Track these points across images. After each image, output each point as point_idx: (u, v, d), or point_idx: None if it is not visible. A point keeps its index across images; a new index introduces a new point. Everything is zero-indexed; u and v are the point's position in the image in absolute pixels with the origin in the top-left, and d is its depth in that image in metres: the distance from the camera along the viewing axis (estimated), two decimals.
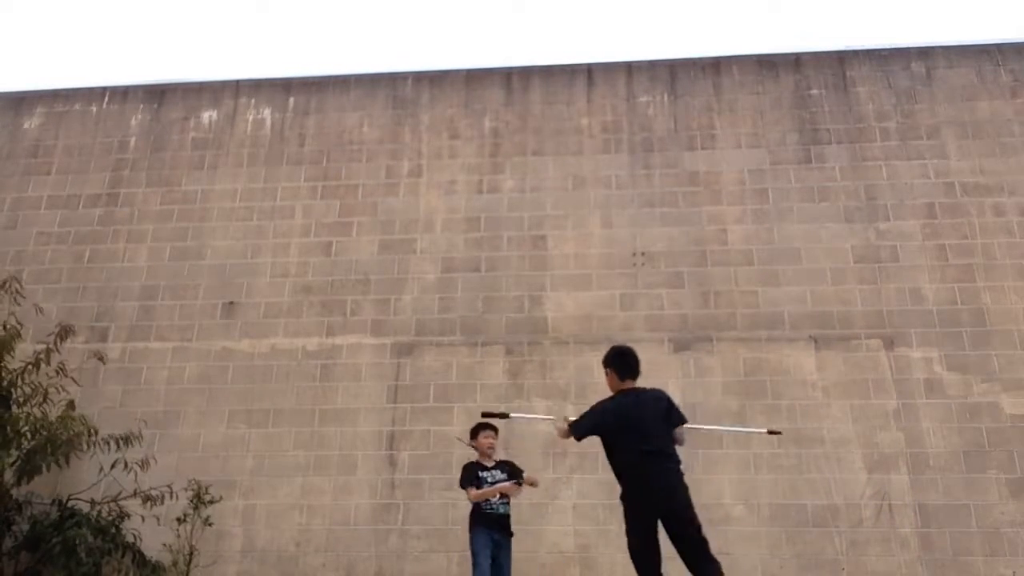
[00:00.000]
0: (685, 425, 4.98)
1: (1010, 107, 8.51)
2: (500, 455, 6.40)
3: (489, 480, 5.92)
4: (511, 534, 5.95)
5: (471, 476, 5.98)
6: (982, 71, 8.71)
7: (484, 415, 5.99)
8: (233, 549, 7.53)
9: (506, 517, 5.92)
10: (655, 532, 4.58)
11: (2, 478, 7.23)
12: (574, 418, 5.00)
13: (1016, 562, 6.84)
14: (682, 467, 4.73)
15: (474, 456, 6.15)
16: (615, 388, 5.04)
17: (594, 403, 5.06)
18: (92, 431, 7.33)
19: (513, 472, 6.01)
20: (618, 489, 4.84)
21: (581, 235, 8.38)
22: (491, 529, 5.84)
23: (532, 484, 6.04)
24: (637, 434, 4.72)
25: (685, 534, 4.54)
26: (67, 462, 7.36)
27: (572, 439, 4.99)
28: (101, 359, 8.00)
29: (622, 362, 5.09)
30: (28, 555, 7.34)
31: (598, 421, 4.90)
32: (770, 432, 6.16)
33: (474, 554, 5.78)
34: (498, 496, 5.87)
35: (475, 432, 6.17)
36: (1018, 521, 6.97)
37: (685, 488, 4.65)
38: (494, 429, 6.17)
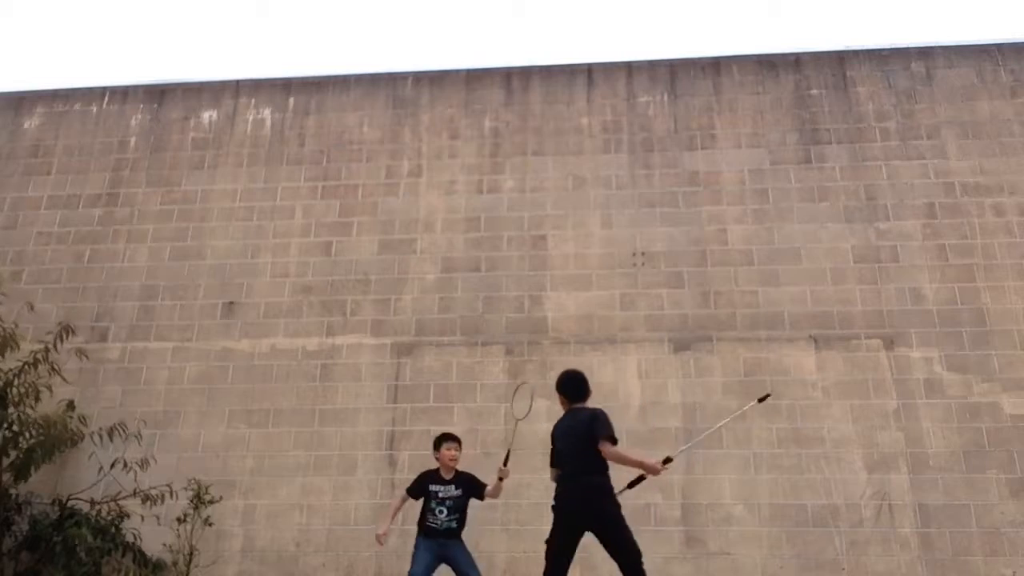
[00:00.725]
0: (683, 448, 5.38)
1: (1010, 107, 8.51)
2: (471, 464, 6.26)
3: (440, 495, 5.80)
4: (460, 537, 5.84)
5: (418, 487, 5.88)
6: (982, 71, 8.71)
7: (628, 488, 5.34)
8: (233, 549, 7.53)
9: (451, 531, 5.79)
10: (565, 548, 5.06)
11: (1, 478, 7.24)
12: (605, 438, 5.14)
13: (1016, 562, 6.85)
14: (602, 483, 5.01)
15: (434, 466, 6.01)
16: (565, 409, 5.44)
17: (603, 414, 5.32)
18: (82, 419, 7.36)
19: (471, 487, 5.88)
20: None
21: (581, 235, 8.38)
22: (435, 538, 5.75)
23: (492, 496, 5.92)
24: (557, 457, 5.22)
25: (613, 549, 4.95)
26: (56, 455, 7.38)
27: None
28: (84, 355, 7.99)
29: (566, 385, 5.47)
30: (28, 555, 7.34)
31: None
32: (760, 400, 6.21)
33: (414, 557, 5.72)
34: (445, 513, 5.76)
35: (438, 443, 6.01)
36: (1018, 521, 6.97)
37: (600, 507, 4.95)
38: (458, 442, 6.02)
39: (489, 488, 5.89)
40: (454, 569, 5.81)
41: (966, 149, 8.36)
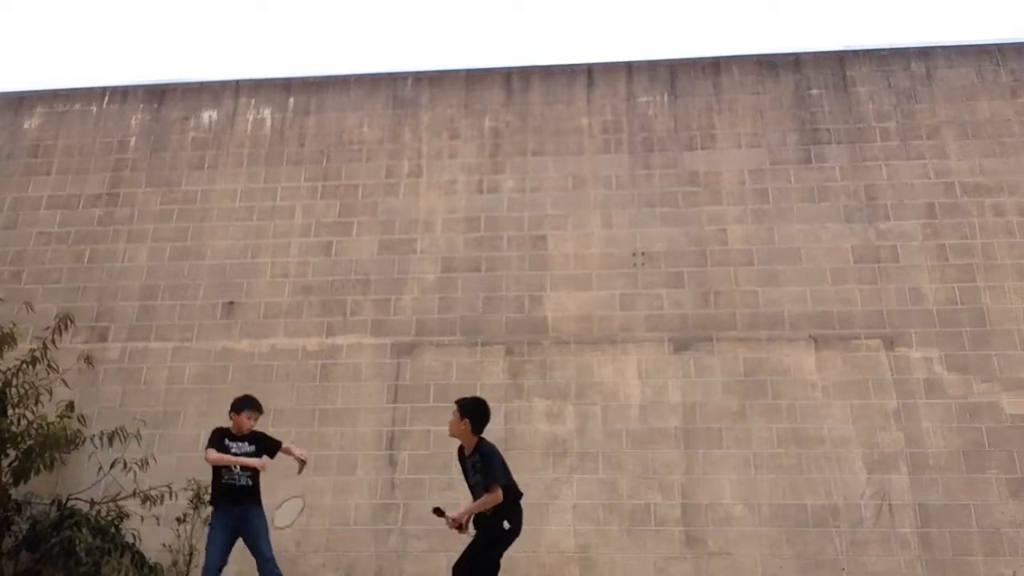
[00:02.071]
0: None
1: (1010, 107, 8.51)
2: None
3: (235, 450, 5.86)
4: (258, 503, 5.92)
5: (216, 440, 5.90)
6: (982, 71, 8.71)
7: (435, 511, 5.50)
8: (233, 549, 7.51)
9: (248, 488, 5.86)
10: None
11: (0, 479, 7.24)
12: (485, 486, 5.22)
13: (1016, 562, 6.85)
14: None
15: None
16: (471, 438, 5.35)
17: (492, 454, 5.32)
18: (82, 419, 7.36)
19: (263, 444, 5.97)
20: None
21: (581, 235, 8.38)
22: (232, 505, 5.80)
23: (298, 458, 5.97)
24: (510, 480, 5.26)
25: None
26: (58, 460, 7.39)
27: (499, 495, 5.18)
28: (90, 363, 8.01)
29: (482, 419, 5.39)
30: (28, 555, 7.34)
31: (506, 470, 5.28)
32: None
33: (208, 549, 5.76)
34: (238, 467, 5.81)
35: (239, 407, 6.03)
36: (1018, 521, 6.97)
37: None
38: (260, 411, 6.10)
39: (288, 446, 6.05)
40: (246, 541, 5.83)
41: (966, 149, 8.35)
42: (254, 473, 5.92)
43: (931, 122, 8.52)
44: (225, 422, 6.18)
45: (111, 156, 9.30)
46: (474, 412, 5.37)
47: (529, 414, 7.69)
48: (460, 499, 7.50)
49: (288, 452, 6.06)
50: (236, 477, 5.85)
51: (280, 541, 7.54)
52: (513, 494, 5.28)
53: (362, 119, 9.18)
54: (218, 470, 5.87)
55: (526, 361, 7.93)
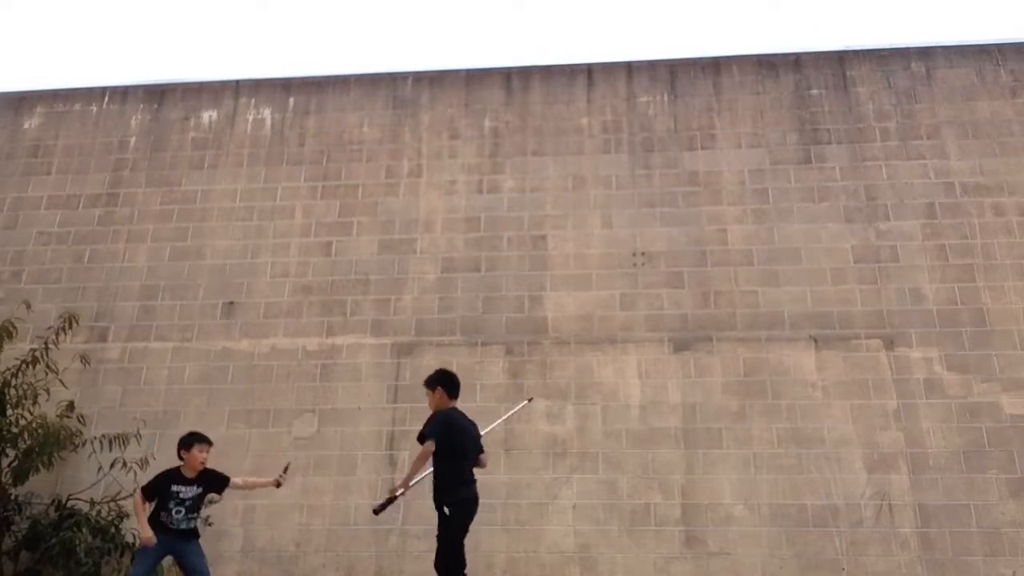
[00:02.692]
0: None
1: (1010, 107, 8.51)
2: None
3: (181, 495, 5.72)
4: (196, 536, 5.82)
5: (157, 489, 5.74)
6: (982, 71, 8.71)
7: (377, 511, 5.55)
8: (233, 549, 7.53)
9: (187, 532, 5.75)
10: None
11: (0, 479, 7.24)
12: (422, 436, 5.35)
13: (1016, 562, 6.85)
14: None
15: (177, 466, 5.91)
16: (443, 406, 5.49)
17: (436, 416, 5.43)
18: (81, 418, 7.36)
19: (212, 483, 5.86)
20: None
21: (581, 235, 8.38)
22: (166, 534, 5.67)
23: (242, 488, 5.98)
24: (463, 450, 5.31)
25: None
26: (56, 460, 7.40)
27: (430, 446, 5.27)
28: (86, 361, 8.01)
29: (451, 383, 5.56)
30: (28, 555, 7.34)
31: (445, 428, 5.30)
32: (529, 400, 6.65)
33: (134, 565, 5.67)
34: (183, 513, 5.70)
35: (189, 443, 5.86)
36: (1018, 521, 6.97)
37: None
38: (210, 443, 5.95)
39: (243, 480, 6.02)
40: (181, 566, 5.75)
41: (966, 149, 8.35)
42: (197, 513, 5.83)
43: (931, 122, 8.52)
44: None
45: (111, 156, 9.30)
46: (442, 379, 5.55)
47: (529, 414, 7.68)
48: None
49: (243, 487, 6.04)
50: (174, 522, 5.70)
51: (280, 541, 7.55)
52: (464, 475, 5.32)
53: (362, 119, 9.18)
54: (157, 509, 5.73)
55: (526, 361, 7.93)
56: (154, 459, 7.56)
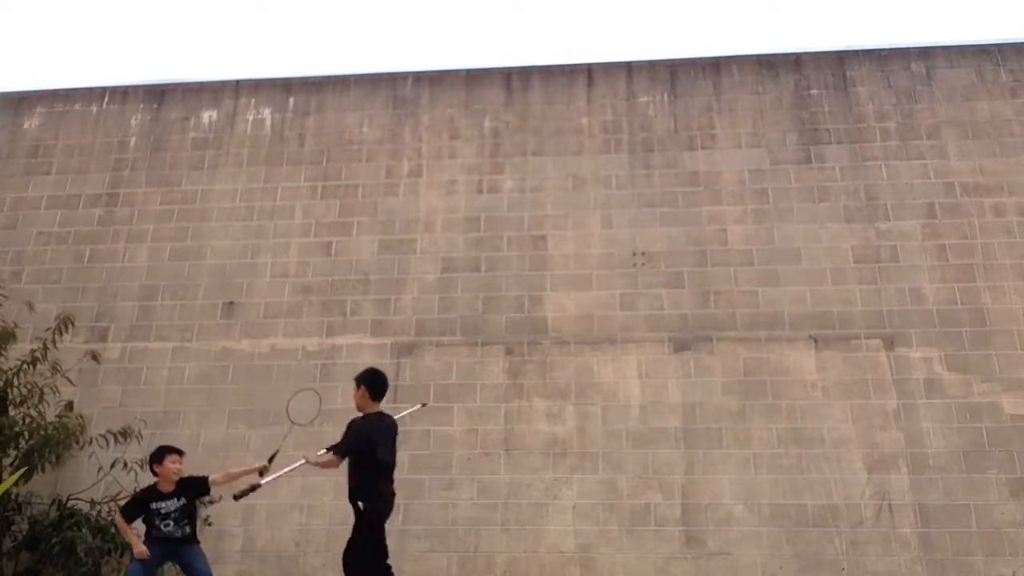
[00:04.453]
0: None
1: (1010, 107, 8.51)
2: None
3: (162, 511, 5.74)
4: (195, 541, 5.84)
5: (135, 509, 5.77)
6: (982, 71, 8.71)
7: (236, 497, 5.51)
8: (233, 549, 7.53)
9: (182, 538, 5.76)
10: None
11: (1, 478, 7.24)
12: (327, 449, 5.32)
13: (1016, 562, 6.85)
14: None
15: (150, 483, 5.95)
16: (366, 407, 5.46)
17: (349, 425, 5.39)
18: (81, 418, 7.40)
19: (193, 491, 5.89)
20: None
21: (581, 235, 8.38)
22: (162, 546, 5.70)
23: (221, 483, 5.95)
24: (386, 456, 5.30)
25: None
26: (54, 461, 7.41)
27: (335, 464, 5.31)
28: (96, 359, 8.03)
29: (376, 384, 5.52)
30: (28, 555, 7.34)
31: (363, 438, 5.27)
32: (423, 405, 6.60)
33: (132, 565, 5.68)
34: (171, 526, 5.73)
35: (160, 456, 5.88)
36: (1018, 521, 6.97)
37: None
38: (180, 453, 5.96)
39: (224, 476, 5.95)
40: (183, 569, 5.77)
41: (966, 149, 8.35)
42: (190, 521, 5.84)
43: (931, 122, 8.52)
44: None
45: (111, 156, 9.30)
46: (367, 379, 5.52)
47: (529, 414, 7.69)
48: (460, 499, 7.53)
49: (225, 482, 6.00)
50: (170, 532, 5.73)
51: (280, 541, 7.54)
52: (382, 477, 5.27)
53: (362, 119, 9.18)
54: (148, 520, 5.76)
55: (526, 361, 7.93)
56: None
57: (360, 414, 5.48)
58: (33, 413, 7.37)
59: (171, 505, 5.80)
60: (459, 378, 7.90)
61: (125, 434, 7.43)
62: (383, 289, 8.35)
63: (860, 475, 7.25)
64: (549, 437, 7.63)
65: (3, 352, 7.56)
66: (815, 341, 7.75)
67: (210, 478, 5.97)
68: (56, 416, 7.56)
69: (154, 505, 5.78)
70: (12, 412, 7.34)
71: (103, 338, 8.41)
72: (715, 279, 8.06)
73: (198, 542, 5.91)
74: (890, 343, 7.66)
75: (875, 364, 7.60)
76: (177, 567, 6.01)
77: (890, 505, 7.13)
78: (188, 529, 5.82)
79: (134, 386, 8.19)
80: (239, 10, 26.85)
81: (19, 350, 7.69)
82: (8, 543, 7.34)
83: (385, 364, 8.00)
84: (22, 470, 6.73)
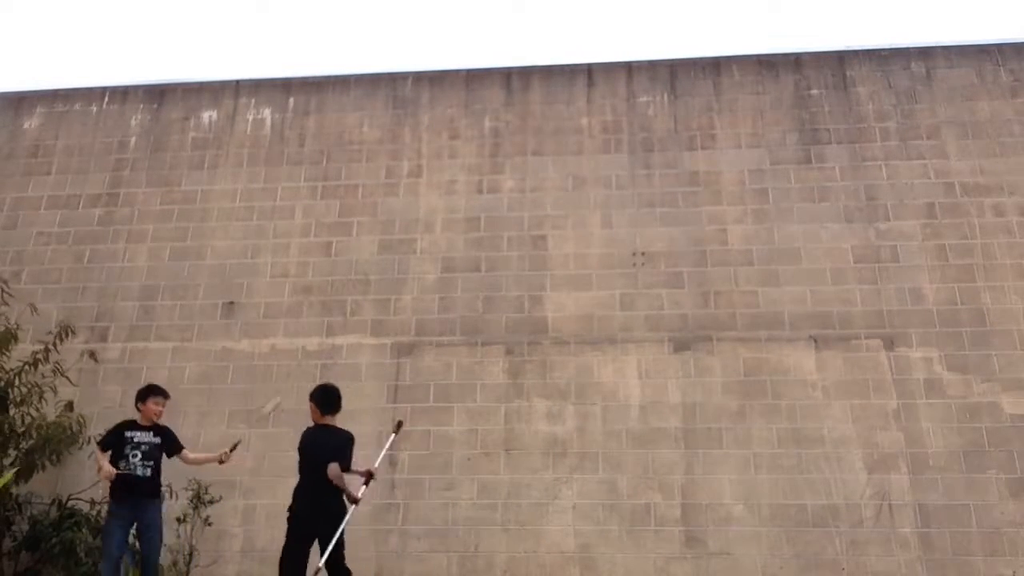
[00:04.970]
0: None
1: (1010, 107, 8.51)
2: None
3: (135, 439, 5.92)
4: (157, 495, 5.97)
5: (112, 439, 5.93)
6: (982, 71, 8.71)
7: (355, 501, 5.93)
8: (233, 549, 7.53)
9: (145, 480, 5.87)
10: (307, 547, 5.69)
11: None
12: None
13: (1016, 562, 6.85)
14: (336, 498, 5.72)
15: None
16: (315, 419, 5.92)
17: (302, 439, 5.87)
18: (81, 418, 7.45)
19: (168, 439, 6.07)
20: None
21: (581, 235, 8.38)
22: (130, 497, 5.79)
23: (194, 463, 6.18)
24: (309, 466, 5.67)
25: (333, 556, 5.65)
26: (58, 459, 7.43)
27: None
28: (94, 358, 8.04)
29: (324, 399, 5.92)
30: (28, 555, 7.34)
31: (299, 447, 5.80)
32: (398, 425, 6.69)
33: (104, 541, 5.80)
34: (139, 457, 5.86)
35: (145, 395, 6.12)
36: (1018, 521, 6.97)
37: (336, 516, 5.67)
38: (166, 396, 6.20)
39: (194, 456, 6.18)
40: (139, 538, 5.86)
41: (966, 149, 8.35)
42: (156, 465, 5.95)
43: (931, 122, 8.52)
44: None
45: (111, 156, 9.30)
46: (315, 395, 5.92)
47: (529, 414, 7.70)
48: (460, 499, 7.53)
49: (193, 462, 6.20)
50: (133, 466, 5.86)
51: (280, 541, 7.50)
52: (310, 487, 5.68)
53: (362, 119, 9.18)
54: (116, 460, 5.87)
55: (526, 361, 7.93)
56: None
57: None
58: (33, 413, 7.38)
59: (144, 437, 5.98)
60: (459, 378, 7.90)
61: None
62: (383, 289, 8.35)
63: (860, 475, 7.25)
64: (549, 437, 7.63)
65: (5, 353, 7.57)
66: (815, 341, 7.75)
67: (184, 449, 6.19)
68: (56, 416, 7.57)
69: (128, 433, 5.96)
70: (12, 412, 7.34)
71: (103, 338, 8.41)
72: (715, 279, 8.07)
73: (161, 498, 6.05)
74: (890, 343, 7.66)
75: (875, 364, 7.60)
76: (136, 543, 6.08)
77: (890, 505, 7.13)
78: (151, 471, 5.92)
79: (134, 386, 8.12)
80: (239, 10, 26.85)
81: (21, 351, 7.69)
82: (8, 543, 7.34)
83: (385, 364, 8.03)
84: (15, 469, 6.74)
